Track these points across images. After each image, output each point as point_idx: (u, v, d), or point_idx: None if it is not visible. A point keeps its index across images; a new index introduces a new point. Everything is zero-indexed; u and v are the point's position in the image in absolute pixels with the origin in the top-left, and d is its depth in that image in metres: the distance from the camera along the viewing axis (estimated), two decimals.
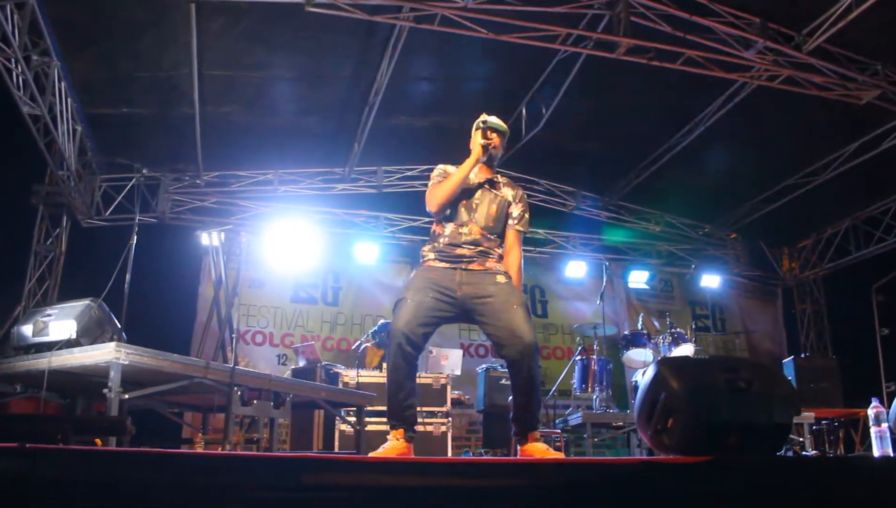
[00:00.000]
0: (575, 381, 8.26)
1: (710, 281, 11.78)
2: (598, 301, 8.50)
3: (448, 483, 2.50)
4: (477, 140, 4.09)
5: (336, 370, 7.47)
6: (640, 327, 9.08)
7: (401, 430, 3.90)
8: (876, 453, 4.02)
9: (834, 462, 4.19)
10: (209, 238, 6.27)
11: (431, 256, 4.04)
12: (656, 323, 9.83)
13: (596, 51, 7.47)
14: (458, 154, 9.95)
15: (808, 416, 7.61)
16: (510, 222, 4.15)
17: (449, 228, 4.06)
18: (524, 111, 9.48)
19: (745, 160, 10.27)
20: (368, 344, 8.69)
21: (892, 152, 9.26)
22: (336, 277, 10.85)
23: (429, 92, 9.29)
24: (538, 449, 3.77)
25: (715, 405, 2.92)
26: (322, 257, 10.59)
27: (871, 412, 3.98)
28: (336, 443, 7.01)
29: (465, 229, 4.03)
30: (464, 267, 3.94)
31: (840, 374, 9.09)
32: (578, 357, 8.34)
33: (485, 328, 3.92)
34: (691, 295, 12.21)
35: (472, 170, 4.07)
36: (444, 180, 4.07)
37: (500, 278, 3.95)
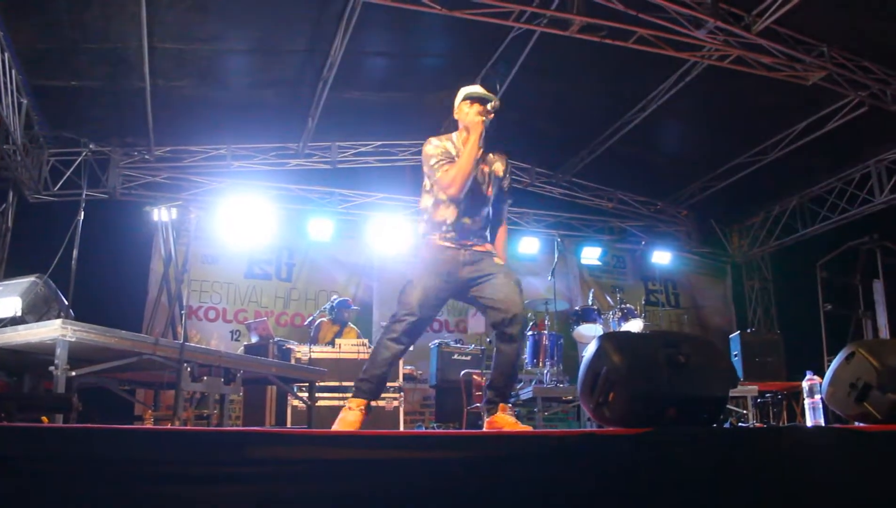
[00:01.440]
0: (526, 356, 8.35)
1: (662, 257, 11.97)
2: (550, 277, 8.59)
3: (395, 455, 2.54)
4: (473, 116, 4.00)
5: (289, 346, 7.47)
6: (590, 302, 9.20)
7: (364, 401, 3.94)
8: (808, 423, 4.16)
9: (766, 432, 4.31)
10: (159, 214, 6.19)
11: (436, 236, 4.03)
12: (609, 299, 9.95)
13: (550, 28, 7.52)
14: (413, 129, 9.99)
15: (751, 389, 7.81)
16: (502, 196, 4.24)
17: (450, 213, 4.02)
18: None
19: (697, 139, 10.43)
20: (323, 319, 8.71)
21: (838, 133, 9.47)
22: (290, 253, 10.81)
23: (384, 67, 9.25)
24: (507, 422, 3.87)
25: (655, 379, 3.00)
26: (276, 233, 10.53)
27: (805, 384, 4.12)
28: (288, 419, 7.03)
29: (466, 219, 4.02)
30: (468, 248, 4.01)
31: (784, 348, 9.32)
32: (530, 332, 8.43)
33: (482, 302, 3.99)
34: (644, 271, 12.38)
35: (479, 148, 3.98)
36: (455, 162, 3.96)
37: (497, 260, 4.06)
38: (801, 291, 10.80)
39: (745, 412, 7.67)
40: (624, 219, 12.44)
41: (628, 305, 8.60)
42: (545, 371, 8.08)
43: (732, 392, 7.86)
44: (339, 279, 10.77)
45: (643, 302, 10.47)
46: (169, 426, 4.27)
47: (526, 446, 2.79)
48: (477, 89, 4.14)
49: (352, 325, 8.80)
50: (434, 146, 4.06)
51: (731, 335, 9.69)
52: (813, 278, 10.21)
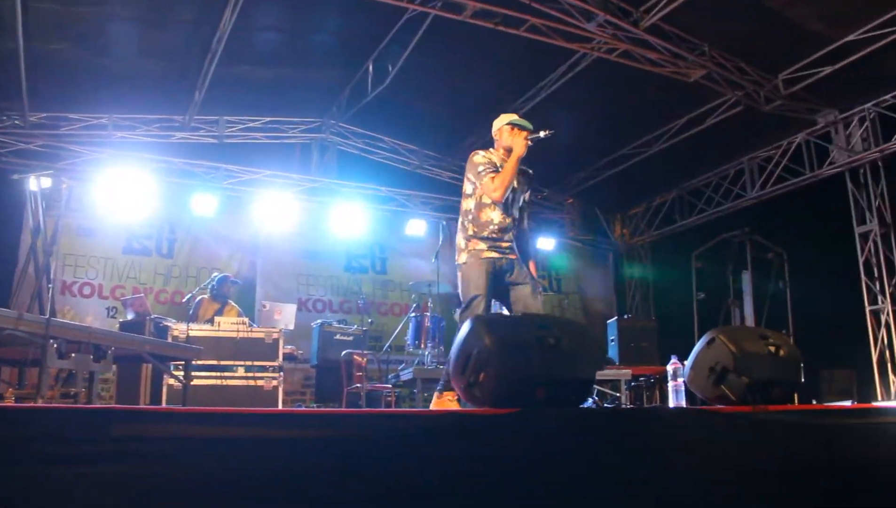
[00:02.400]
0: (409, 337, 8.40)
1: (546, 243, 12.21)
2: (434, 259, 8.66)
3: (261, 433, 2.52)
4: (521, 140, 4.75)
5: (166, 324, 7.27)
6: None
7: (454, 393, 4.29)
8: (671, 404, 4.34)
9: (629, 412, 4.48)
10: (29, 183, 5.90)
11: (483, 246, 4.67)
12: None
13: (444, 11, 7.55)
14: (303, 107, 9.86)
15: (626, 373, 8.07)
16: (524, 205, 4.99)
17: (496, 215, 4.72)
18: (371, 68, 9.46)
19: (584, 128, 10.65)
20: (203, 296, 8.50)
21: (716, 129, 9.88)
22: (172, 228, 10.49)
23: (275, 42, 9.07)
24: None
25: (525, 360, 3.06)
26: (158, 208, 10.18)
27: (669, 368, 4.30)
28: (164, 398, 6.85)
29: (507, 219, 4.76)
30: (507, 256, 4.71)
31: (658, 334, 9.67)
32: (413, 314, 8.48)
33: (512, 307, 4.73)
34: (528, 257, 12.56)
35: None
36: (501, 171, 4.70)
37: (524, 268, 4.78)
38: (677, 279, 11.23)
39: (618, 394, 7.93)
40: None
41: None
42: (426, 353, 8.15)
43: (608, 376, 8.15)
44: (222, 256, 10.53)
45: None
46: (29, 404, 4.09)
47: (395, 425, 2.81)
48: (520, 119, 4.99)
49: (233, 303, 8.63)
50: (482, 157, 4.82)
51: (608, 321, 9.99)
52: (688, 267, 10.63)
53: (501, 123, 5.03)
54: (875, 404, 8.04)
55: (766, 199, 10.60)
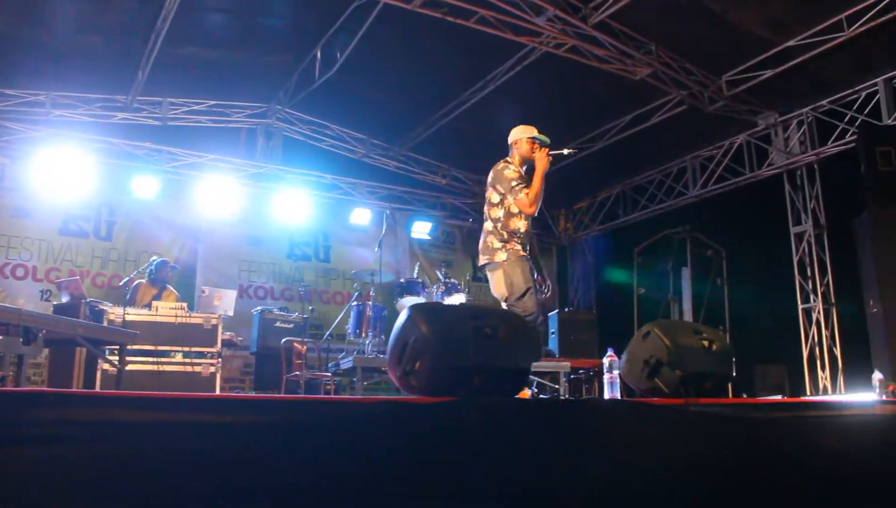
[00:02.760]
0: (350, 326, 8.37)
1: None
2: (377, 248, 8.62)
3: (192, 418, 2.49)
4: (543, 156, 5.15)
5: (102, 307, 7.13)
6: (416, 275, 9.29)
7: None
8: (606, 396, 4.40)
9: (562, 403, 4.54)
10: None
11: (519, 247, 5.15)
12: (439, 273, 10.09)
13: (393, 0, 7.50)
14: (249, 91, 9.71)
15: (565, 365, 8.14)
16: None
17: (522, 225, 5.21)
18: (319, 54, 9.36)
19: (531, 123, 10.54)
20: (141, 281, 8.35)
21: (661, 127, 10.01)
22: (111, 210, 10.23)
23: (221, 24, 8.91)
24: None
25: (461, 350, 3.08)
26: (97, 189, 9.90)
27: (605, 360, 4.36)
28: (97, 383, 6.71)
29: (530, 226, 5.32)
30: (534, 257, 5.32)
31: (598, 328, 9.80)
32: (355, 303, 8.45)
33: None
34: (473, 248, 12.53)
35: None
36: (531, 184, 5.12)
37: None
38: (618, 274, 11.37)
39: (557, 386, 8.00)
40: (456, 196, 12.63)
41: (453, 280, 8.78)
42: (367, 342, 8.13)
43: (547, 368, 8.22)
44: (163, 240, 10.33)
45: (469, 278, 10.69)
46: None
47: (328, 412, 2.80)
48: (540, 135, 5.35)
49: (171, 288, 8.49)
50: (512, 170, 5.22)
51: (549, 314, 10.08)
52: (630, 262, 10.78)
53: (521, 134, 5.36)
54: (803, 398, 8.25)
55: (707, 197, 10.77)
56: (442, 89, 10.04)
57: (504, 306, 5.07)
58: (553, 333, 9.67)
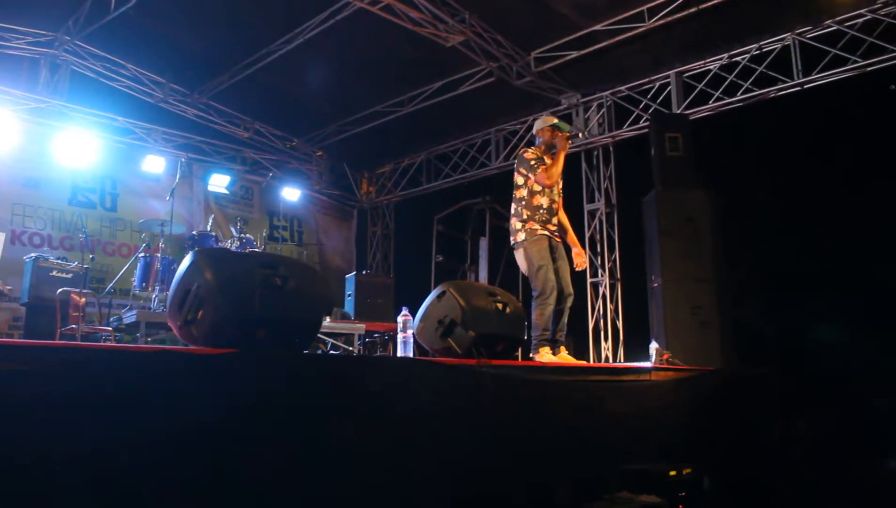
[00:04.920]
0: (136, 278, 7.85)
1: (291, 194, 11.84)
2: (168, 197, 8.12)
3: None
4: (564, 142, 5.65)
5: None
6: (209, 228, 8.83)
7: (550, 347, 5.37)
8: (399, 355, 4.35)
9: (349, 359, 4.47)
10: None
11: (537, 226, 5.56)
12: (233, 229, 9.66)
13: None
14: (32, 15, 8.85)
15: (359, 327, 8.08)
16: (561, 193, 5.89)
17: (545, 201, 5.64)
18: None
19: (339, 80, 10.46)
20: None
21: (468, 97, 10.10)
22: None
23: None
24: (567, 358, 5.40)
25: (246, 299, 2.88)
26: None
27: (399, 319, 4.28)
28: None
29: (554, 205, 5.73)
30: (555, 237, 5.64)
31: (395, 292, 9.79)
32: (142, 255, 7.93)
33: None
34: (271, 205, 12.18)
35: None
36: (551, 165, 5.62)
37: (563, 248, 5.71)
38: (418, 240, 11.43)
39: (351, 348, 7.92)
40: (258, 151, 12.16)
41: (248, 235, 8.44)
42: (154, 296, 7.66)
43: (342, 329, 8.12)
44: None
45: (266, 235, 10.35)
46: None
47: (101, 361, 2.53)
48: (561, 122, 5.82)
49: None
50: (531, 153, 5.71)
51: (347, 276, 9.96)
52: (430, 230, 10.84)
53: (545, 124, 5.84)
54: (588, 363, 8.65)
55: (508, 170, 10.87)
56: (250, 36, 9.53)
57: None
58: (349, 295, 9.56)
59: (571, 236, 6.00)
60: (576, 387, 4.03)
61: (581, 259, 5.84)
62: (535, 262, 5.47)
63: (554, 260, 5.55)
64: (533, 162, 5.66)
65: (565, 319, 5.61)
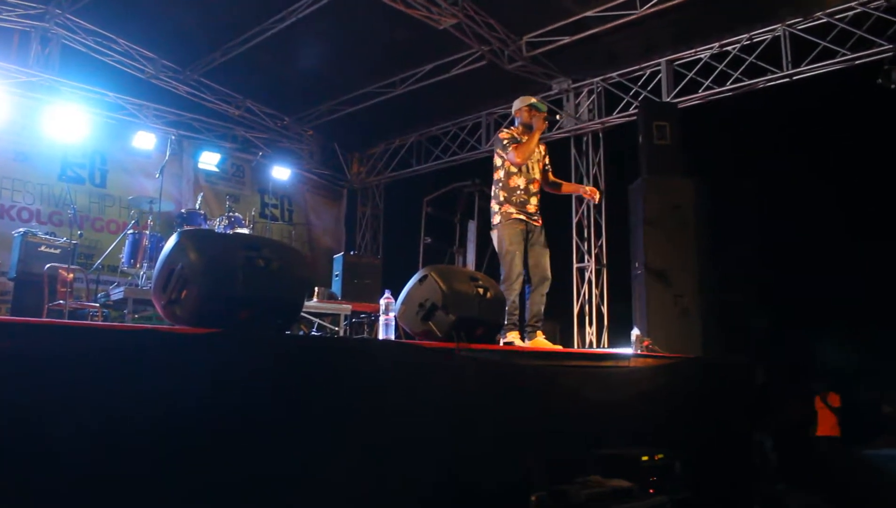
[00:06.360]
0: (124, 255, 7.87)
1: (281, 173, 11.84)
2: (158, 175, 8.12)
3: None
4: (540, 121, 5.58)
5: None
6: (198, 206, 8.85)
7: (518, 331, 5.44)
8: (381, 338, 4.41)
9: (330, 340, 4.51)
10: None
11: (513, 210, 5.54)
12: (225, 207, 9.66)
13: None
14: None
15: (346, 308, 8.12)
16: (547, 168, 5.91)
17: (521, 181, 5.62)
18: None
19: (332, 61, 10.46)
20: None
21: (460, 80, 10.13)
22: None
23: None
24: (542, 343, 5.42)
25: (230, 279, 2.93)
26: None
27: (382, 302, 4.35)
28: None
29: (531, 185, 5.66)
30: (533, 223, 5.61)
31: (382, 273, 9.85)
32: (131, 232, 7.95)
33: (528, 264, 5.56)
34: (262, 184, 12.15)
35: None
36: (523, 143, 5.54)
37: (541, 235, 5.68)
38: (407, 222, 11.45)
39: (337, 328, 7.97)
40: (249, 129, 12.15)
41: (237, 214, 8.45)
42: (142, 273, 7.69)
43: (328, 309, 8.17)
44: None
45: (256, 214, 10.36)
46: None
47: (83, 340, 2.58)
48: (538, 102, 5.82)
49: None
50: (506, 133, 5.64)
51: (335, 256, 10.00)
52: (419, 211, 10.86)
53: (523, 104, 5.79)
54: (567, 349, 8.73)
55: None
56: (243, 14, 9.51)
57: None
58: (337, 275, 9.60)
59: (568, 186, 6.24)
60: (554, 372, 4.10)
61: (593, 194, 5.91)
62: (504, 246, 5.48)
63: (530, 245, 5.56)
64: (506, 141, 5.61)
65: (542, 306, 5.59)
